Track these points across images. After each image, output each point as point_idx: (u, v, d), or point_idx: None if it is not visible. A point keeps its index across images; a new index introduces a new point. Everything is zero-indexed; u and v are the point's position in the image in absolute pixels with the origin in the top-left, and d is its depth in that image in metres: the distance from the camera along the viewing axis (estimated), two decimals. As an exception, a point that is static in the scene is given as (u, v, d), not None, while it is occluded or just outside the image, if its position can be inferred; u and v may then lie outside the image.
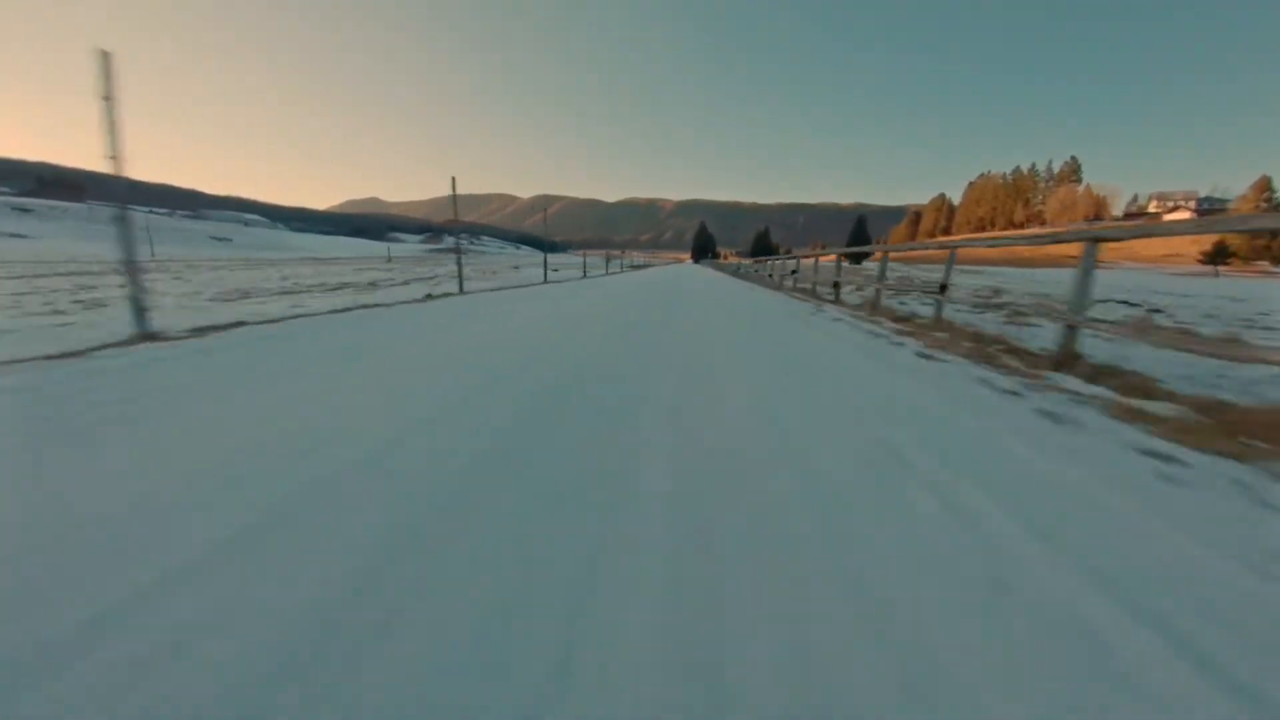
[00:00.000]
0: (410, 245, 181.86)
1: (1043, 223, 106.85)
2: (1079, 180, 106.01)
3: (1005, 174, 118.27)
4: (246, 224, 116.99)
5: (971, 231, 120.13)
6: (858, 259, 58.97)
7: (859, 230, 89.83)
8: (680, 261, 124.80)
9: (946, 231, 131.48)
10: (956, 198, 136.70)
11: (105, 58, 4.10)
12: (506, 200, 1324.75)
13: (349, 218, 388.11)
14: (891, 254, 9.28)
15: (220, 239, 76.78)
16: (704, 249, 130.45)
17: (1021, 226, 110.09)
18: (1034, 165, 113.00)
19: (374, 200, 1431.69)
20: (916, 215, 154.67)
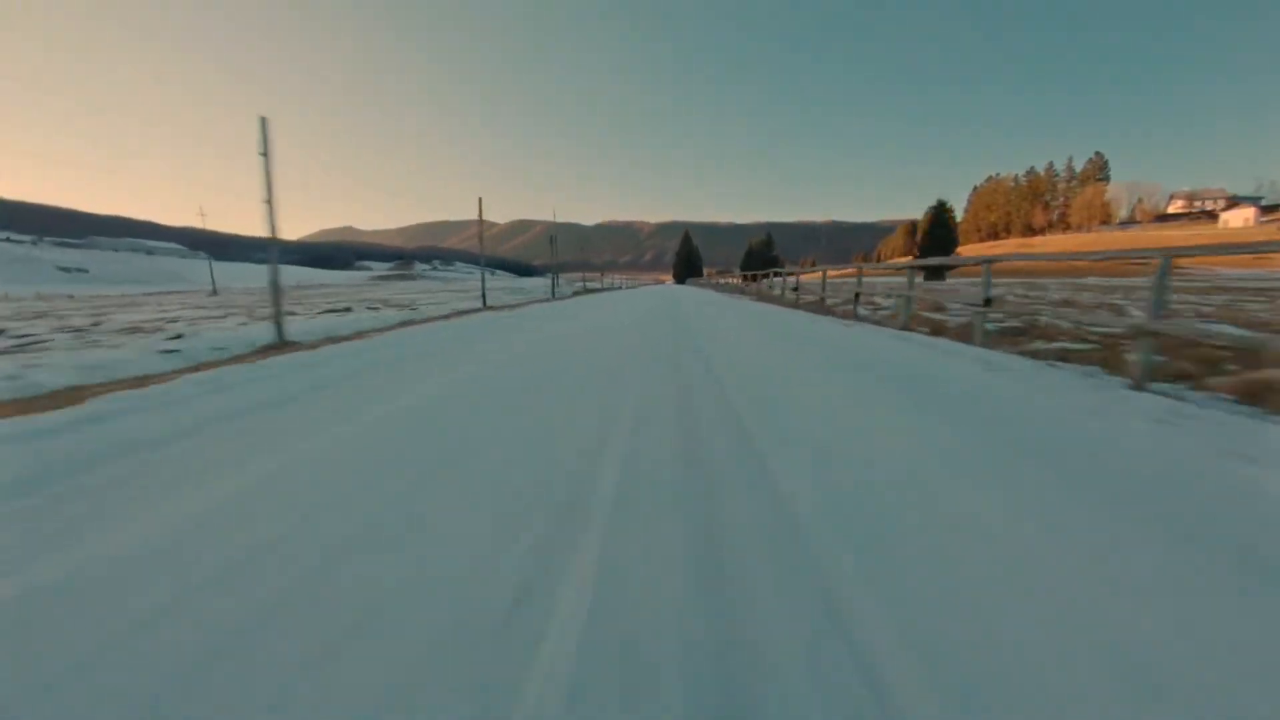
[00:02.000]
0: (363, 274, 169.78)
1: (1066, 226, 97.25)
2: (1105, 179, 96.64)
3: (1017, 176, 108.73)
4: (150, 253, 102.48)
5: (981, 240, 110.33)
6: (939, 272, 46.97)
7: (942, 230, 56.80)
8: (661, 282, 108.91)
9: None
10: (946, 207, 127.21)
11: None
12: (485, 225, 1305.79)
13: (316, 247, 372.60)
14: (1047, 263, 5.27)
15: (71, 269, 62.85)
16: (691, 265, 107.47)
17: (1041, 231, 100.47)
18: (1051, 165, 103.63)
19: (349, 229, 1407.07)
20: (912, 225, 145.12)
